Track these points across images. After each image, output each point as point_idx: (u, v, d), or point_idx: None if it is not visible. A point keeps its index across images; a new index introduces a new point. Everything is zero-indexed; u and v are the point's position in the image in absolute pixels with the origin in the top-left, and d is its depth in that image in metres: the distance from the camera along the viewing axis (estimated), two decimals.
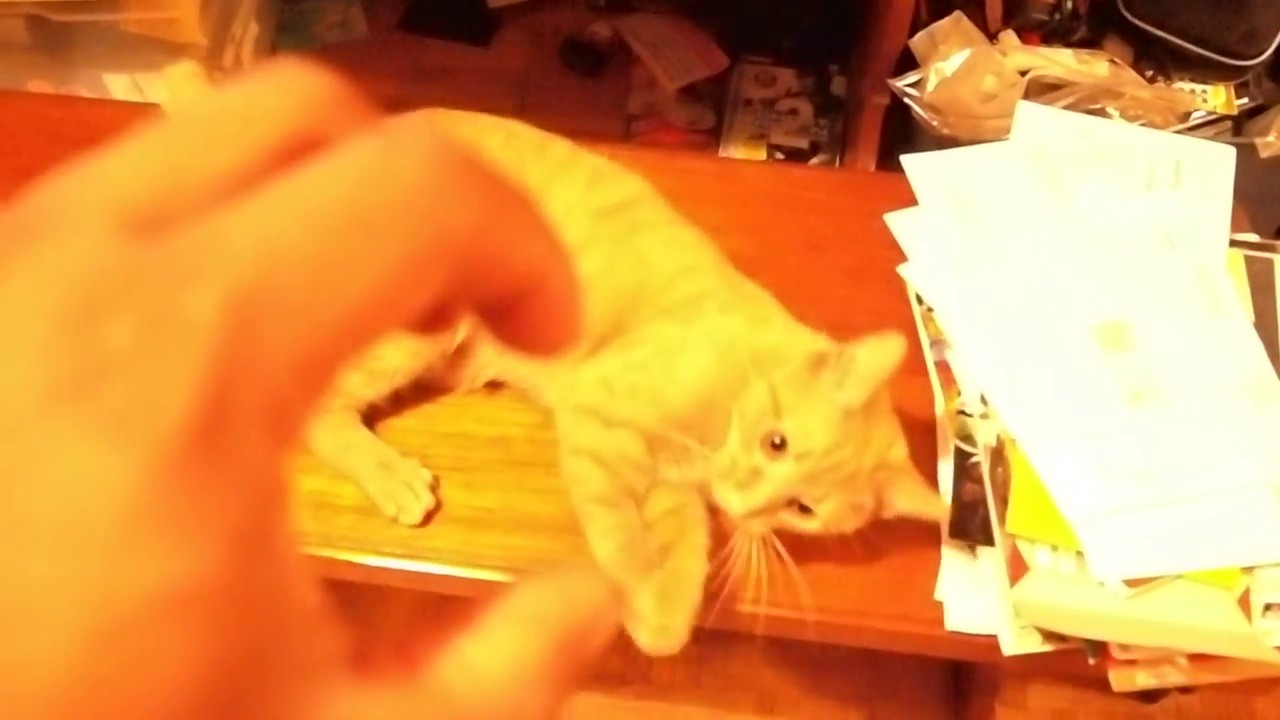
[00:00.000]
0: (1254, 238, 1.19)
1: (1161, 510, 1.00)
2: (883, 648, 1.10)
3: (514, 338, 0.23)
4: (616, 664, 1.61)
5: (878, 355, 0.89)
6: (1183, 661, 0.95)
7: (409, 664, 0.20)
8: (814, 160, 1.85)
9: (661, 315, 1.02)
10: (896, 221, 1.17)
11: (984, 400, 1.06)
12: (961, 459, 1.05)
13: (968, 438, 1.06)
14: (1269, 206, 1.56)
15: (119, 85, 1.84)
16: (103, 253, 0.18)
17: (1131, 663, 0.96)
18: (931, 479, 1.06)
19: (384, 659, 0.20)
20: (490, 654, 0.20)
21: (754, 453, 0.89)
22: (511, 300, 0.22)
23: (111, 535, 0.16)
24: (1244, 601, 0.98)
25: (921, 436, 1.08)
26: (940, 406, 1.08)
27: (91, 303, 0.17)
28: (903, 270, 1.14)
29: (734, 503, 0.90)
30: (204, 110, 0.21)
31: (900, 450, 0.95)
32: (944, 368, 1.09)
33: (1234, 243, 1.17)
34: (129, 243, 0.18)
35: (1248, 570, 0.99)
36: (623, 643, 0.97)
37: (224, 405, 0.17)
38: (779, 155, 1.85)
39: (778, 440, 0.88)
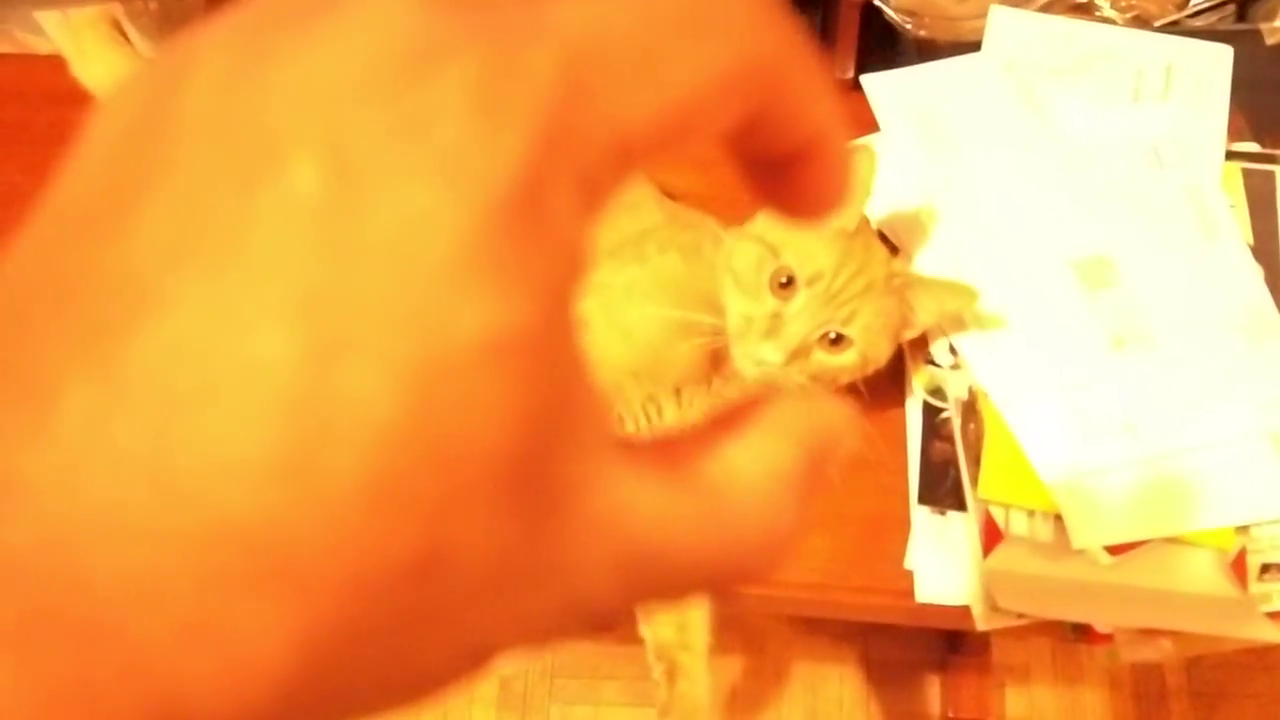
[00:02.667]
0: (1254, 147, 1.08)
1: (1148, 467, 0.92)
2: (852, 619, 1.02)
3: (777, 194, 0.22)
4: None
5: (859, 172, 0.86)
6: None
7: (673, 458, 0.20)
8: None
9: (604, 258, 0.93)
10: None
11: (953, 350, 0.97)
12: (930, 415, 0.97)
13: (937, 391, 0.97)
14: (1276, 99, 1.44)
15: (51, 21, 1.73)
16: (426, 12, 0.17)
17: (1112, 637, 0.88)
18: (898, 436, 0.98)
19: (652, 451, 0.20)
20: (751, 457, 0.21)
21: (765, 299, 0.85)
22: (786, 155, 0.22)
23: (442, 274, 0.16)
24: (1239, 564, 0.90)
25: (886, 390, 1.00)
26: (908, 356, 0.99)
27: (426, 50, 0.17)
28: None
29: (767, 352, 0.84)
30: None
31: (901, 264, 0.92)
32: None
33: (1231, 155, 1.06)
34: (449, 7, 0.17)
35: (1243, 530, 0.90)
36: None
37: (552, 163, 0.17)
38: None
39: (784, 278, 0.85)
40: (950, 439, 0.95)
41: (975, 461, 0.93)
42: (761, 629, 1.57)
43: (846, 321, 0.85)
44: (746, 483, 0.21)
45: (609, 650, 1.59)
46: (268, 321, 0.16)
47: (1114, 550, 0.89)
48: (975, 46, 1.11)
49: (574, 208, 0.18)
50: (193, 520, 0.15)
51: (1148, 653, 0.86)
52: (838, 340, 0.85)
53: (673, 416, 0.93)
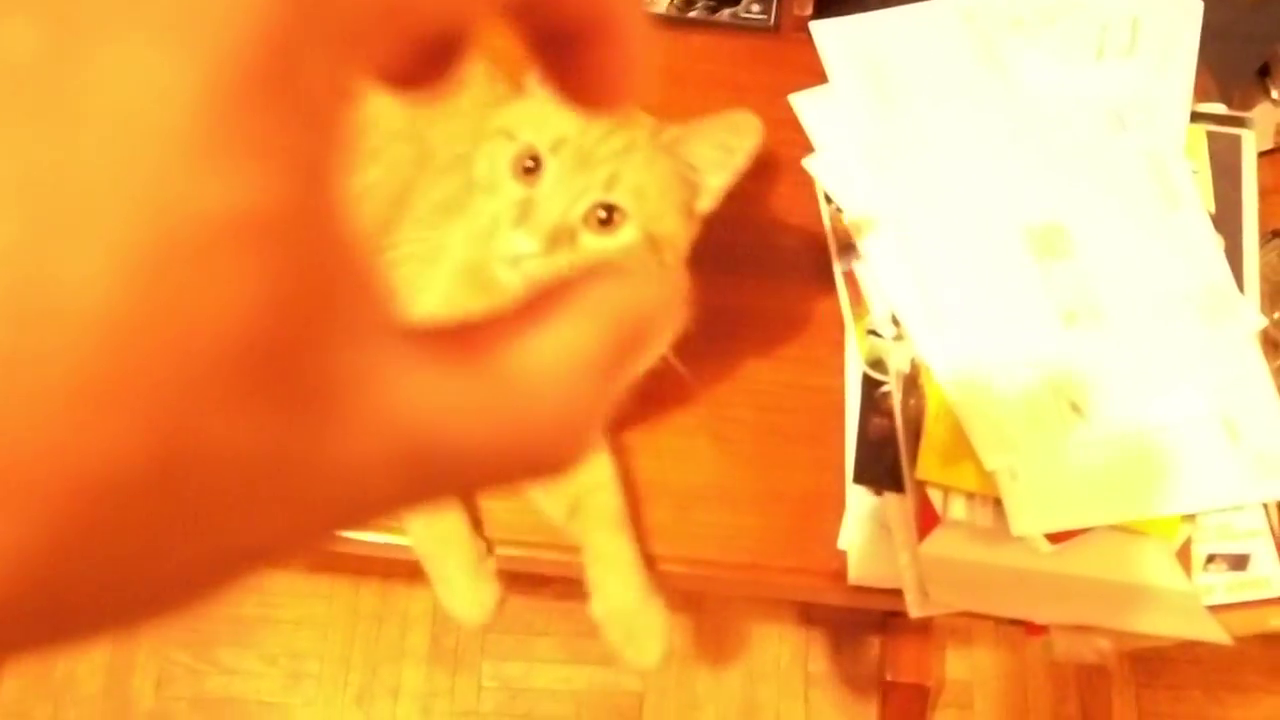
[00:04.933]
0: (1220, 108, 1.03)
1: (1093, 451, 0.87)
2: (783, 598, 0.98)
3: (564, 78, 0.21)
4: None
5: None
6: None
7: (469, 345, 0.19)
8: None
9: (429, 214, 0.86)
10: (802, 103, 1.00)
11: (896, 320, 0.92)
12: (870, 388, 0.92)
13: (878, 363, 0.92)
14: (1248, 48, 1.39)
15: None
16: None
17: (1046, 629, 0.84)
18: (835, 410, 0.93)
19: (444, 337, 0.19)
20: (551, 342, 0.19)
21: (509, 188, 0.71)
22: (572, 32, 0.20)
23: (173, 147, 0.14)
24: (1183, 554, 0.86)
25: (824, 361, 0.95)
26: (849, 326, 0.94)
27: None
28: (808, 163, 0.98)
29: (520, 240, 0.69)
30: None
31: (677, 127, 0.75)
32: (852, 280, 0.94)
33: (1196, 116, 1.01)
34: None
35: (1189, 518, 0.86)
36: (542, 543, 0.90)
37: (305, 24, 0.15)
38: None
39: (529, 159, 0.71)
40: (889, 414, 0.90)
41: (914, 439, 0.88)
42: (699, 587, 1.54)
43: (609, 185, 0.70)
44: (543, 369, 0.19)
45: (544, 605, 1.54)
46: None
47: (1055, 538, 0.85)
48: None
49: (333, 77, 0.16)
50: None
51: (1083, 652, 0.82)
52: (609, 219, 0.71)
53: None
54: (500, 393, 0.19)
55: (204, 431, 0.15)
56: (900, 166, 0.96)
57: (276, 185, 0.15)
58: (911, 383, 0.90)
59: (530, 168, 0.71)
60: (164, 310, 0.14)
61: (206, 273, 0.14)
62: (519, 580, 1.49)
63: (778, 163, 1.00)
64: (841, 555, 0.89)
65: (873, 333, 0.93)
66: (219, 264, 0.15)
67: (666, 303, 0.22)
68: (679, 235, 0.75)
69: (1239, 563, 0.86)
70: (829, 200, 0.97)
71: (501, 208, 0.71)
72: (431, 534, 0.86)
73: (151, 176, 0.14)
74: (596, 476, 0.87)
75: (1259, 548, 0.86)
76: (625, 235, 0.72)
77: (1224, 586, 0.86)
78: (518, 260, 0.70)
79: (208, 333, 0.15)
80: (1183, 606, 0.84)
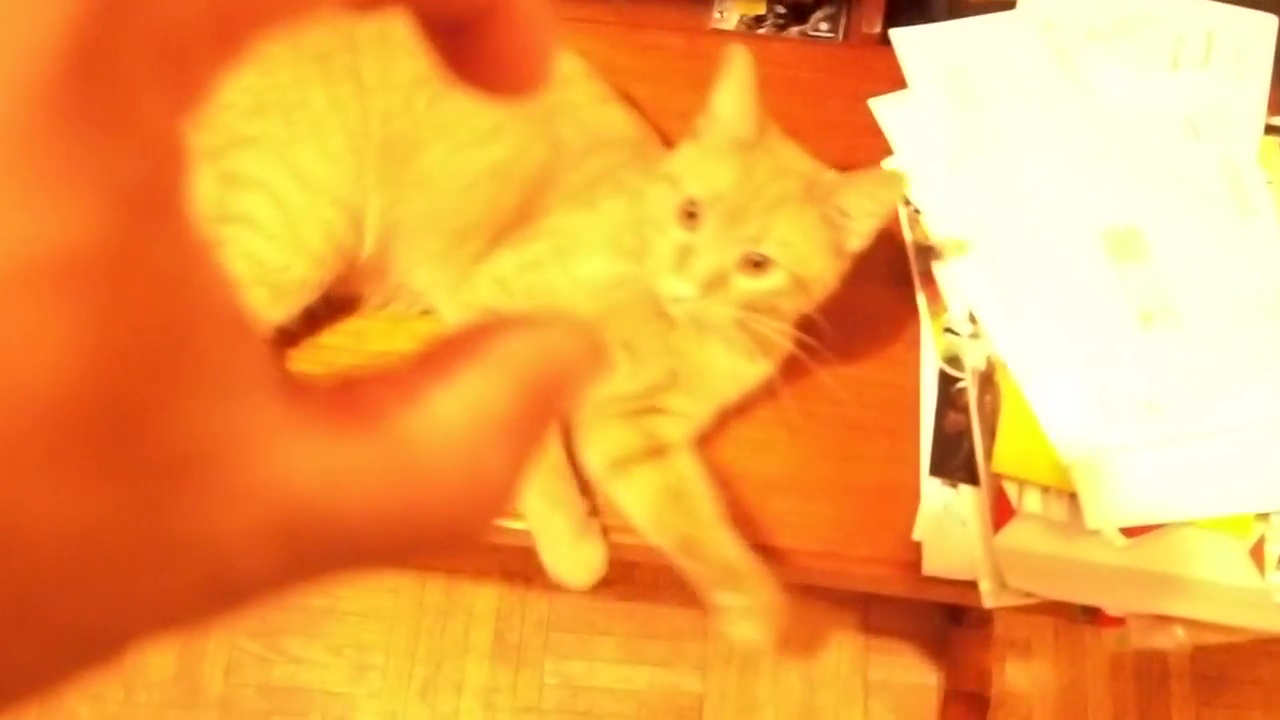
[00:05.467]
0: None
1: (1168, 448, 0.89)
2: (857, 589, 1.00)
3: (464, 66, 0.19)
4: None
5: (734, 81, 0.82)
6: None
7: (358, 403, 0.17)
8: (817, 15, 1.69)
9: (564, 201, 0.91)
10: (882, 107, 1.03)
11: (973, 318, 0.94)
12: (946, 384, 0.94)
13: (954, 360, 0.94)
14: None
15: None
16: None
17: (1123, 621, 0.86)
18: (911, 406, 0.95)
19: (330, 394, 0.17)
20: (454, 400, 0.17)
21: (673, 233, 0.80)
22: (467, 16, 0.18)
23: None
24: (1256, 552, 0.87)
25: (902, 358, 0.97)
26: (925, 324, 0.96)
27: None
28: (888, 165, 1.00)
29: (679, 285, 0.79)
30: None
31: (831, 174, 0.85)
32: (930, 279, 0.96)
33: (1270, 129, 1.03)
34: None
35: (1263, 517, 0.88)
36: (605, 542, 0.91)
37: (119, 23, 0.13)
38: (779, 9, 1.69)
39: (689, 208, 0.80)
40: (965, 410, 0.92)
41: (990, 434, 0.90)
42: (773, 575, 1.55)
43: (758, 239, 0.79)
44: (444, 429, 0.17)
45: (606, 606, 1.57)
46: None
47: (1129, 532, 0.86)
48: (1008, 4, 1.07)
49: (156, 89, 0.14)
50: None
51: (1160, 640, 0.84)
52: (760, 264, 0.79)
53: (626, 372, 0.90)
54: (394, 457, 0.17)
55: (22, 512, 0.13)
56: (979, 170, 0.98)
57: (88, 217, 0.13)
58: (987, 379, 0.92)
59: (691, 213, 0.79)
60: None
61: (19, 321, 0.13)
62: None
63: (857, 166, 1.02)
64: (915, 546, 0.91)
65: (949, 330, 0.95)
66: (24, 313, 0.13)
67: (583, 355, 0.19)
68: (826, 274, 0.82)
69: None
70: (907, 202, 0.99)
71: (665, 251, 0.80)
72: (539, 494, 0.88)
73: None
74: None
75: None
76: (773, 279, 0.80)
77: None
78: (676, 299, 0.80)
79: (16, 394, 0.13)
80: (1256, 603, 0.86)
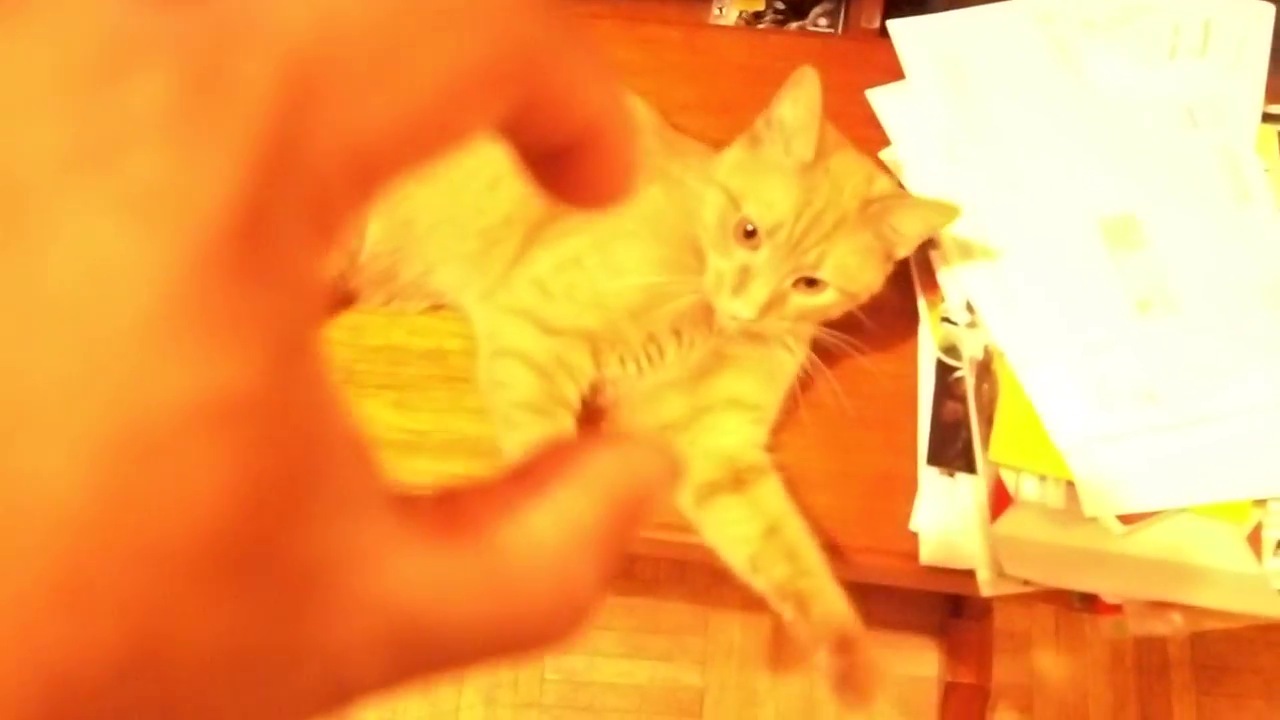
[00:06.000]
0: None
1: (1165, 435, 0.89)
2: (854, 579, 1.00)
3: (559, 186, 0.20)
4: None
5: (800, 98, 0.83)
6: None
7: (459, 516, 0.18)
8: (815, 10, 1.69)
9: None
10: (880, 98, 1.03)
11: (971, 307, 0.94)
12: (944, 374, 0.94)
13: (951, 349, 0.94)
14: None
15: None
16: (112, 10, 0.15)
17: (1120, 608, 0.86)
18: (909, 394, 0.95)
19: (433, 508, 0.18)
20: (547, 516, 0.19)
21: (733, 253, 0.83)
22: (563, 145, 0.19)
23: (142, 333, 0.14)
24: (1253, 538, 0.87)
25: (900, 347, 0.97)
26: (922, 313, 0.96)
27: (115, 58, 0.14)
28: (886, 155, 1.00)
29: (739, 307, 0.83)
30: None
31: (884, 183, 0.88)
32: (927, 268, 0.96)
33: (1267, 117, 1.03)
34: (151, 4, 0.15)
35: (1260, 503, 0.88)
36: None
37: (275, 191, 0.15)
38: (778, 4, 1.69)
39: (748, 228, 0.83)
40: (963, 399, 0.92)
41: (988, 423, 0.90)
42: None
43: (816, 266, 0.82)
44: (539, 544, 0.18)
45: (607, 600, 1.57)
46: None
47: (1126, 519, 0.86)
48: None
49: (305, 240, 0.16)
50: None
51: (1157, 626, 0.84)
52: (814, 282, 0.83)
53: (674, 357, 0.90)
54: (492, 569, 0.18)
55: (177, 626, 0.15)
56: (976, 159, 0.98)
57: (248, 364, 0.14)
58: (985, 368, 0.92)
59: (750, 232, 0.82)
60: (130, 507, 0.14)
61: (174, 463, 0.14)
62: None
63: None
64: (913, 536, 0.91)
65: (947, 320, 0.95)
66: (187, 453, 0.14)
67: (667, 470, 0.21)
68: (875, 284, 0.87)
69: None
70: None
71: (725, 270, 0.83)
72: None
73: (110, 368, 0.14)
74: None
75: None
76: (826, 296, 0.84)
77: None
78: (735, 319, 0.84)
79: (178, 526, 0.14)
80: (1254, 589, 0.86)
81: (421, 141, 0.17)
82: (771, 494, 0.89)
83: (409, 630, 0.17)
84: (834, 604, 0.83)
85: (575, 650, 1.56)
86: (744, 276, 0.82)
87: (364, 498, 0.17)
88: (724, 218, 0.83)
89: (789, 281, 0.83)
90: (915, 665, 1.55)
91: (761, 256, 0.82)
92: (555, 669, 1.55)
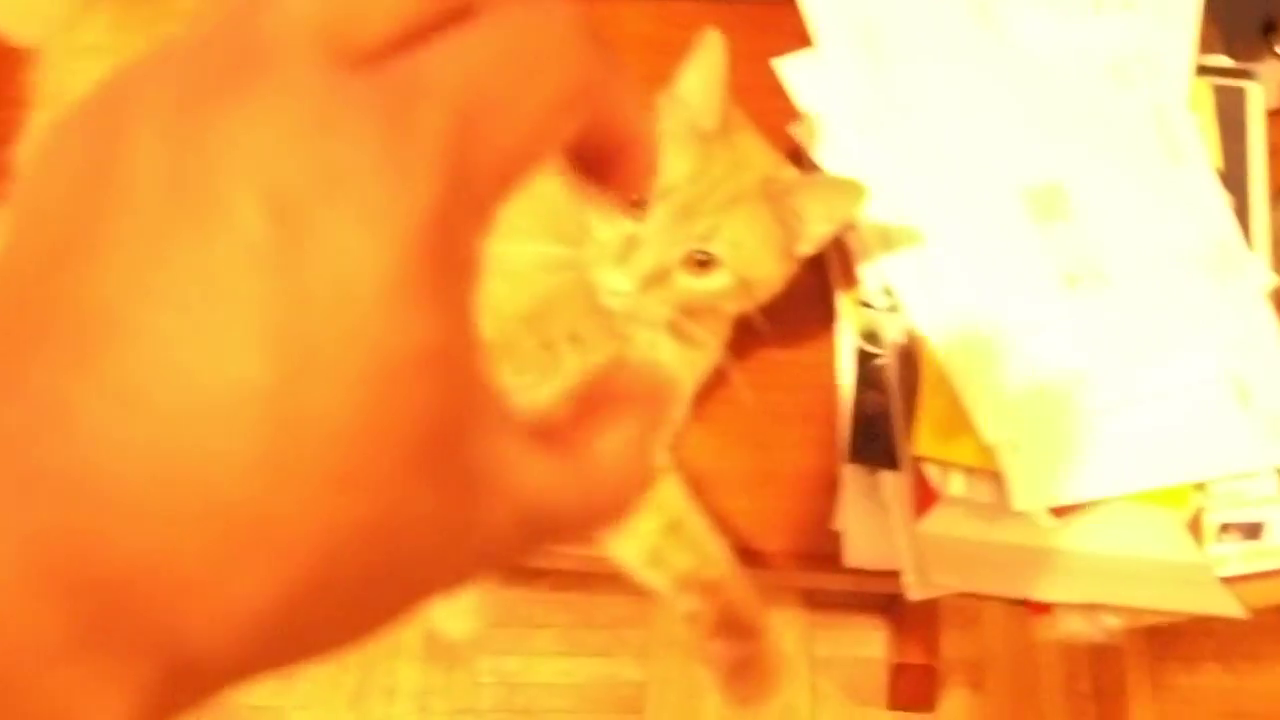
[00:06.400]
0: (1226, 61, 0.99)
1: (1100, 419, 0.83)
2: (777, 583, 0.95)
3: (603, 182, 0.27)
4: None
5: (704, 65, 0.78)
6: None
7: (558, 436, 0.25)
8: None
9: None
10: (788, 67, 0.96)
11: (889, 290, 0.88)
12: (864, 362, 0.88)
13: (872, 336, 0.88)
14: (1251, 4, 1.34)
15: None
16: (326, 78, 0.21)
17: (1050, 608, 0.81)
18: (827, 386, 0.89)
19: (541, 430, 0.25)
20: (613, 436, 0.26)
21: (619, 221, 0.76)
22: (607, 151, 0.26)
23: (376, 304, 0.20)
24: (1194, 525, 0.82)
25: (817, 335, 0.91)
26: (839, 298, 0.90)
27: (334, 115, 0.20)
28: (796, 130, 0.93)
29: (619, 279, 0.75)
30: None
31: (791, 172, 0.83)
32: (842, 249, 0.90)
33: (1201, 70, 0.97)
34: (342, 70, 0.21)
35: (1199, 487, 0.82)
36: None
37: (454, 198, 0.21)
38: None
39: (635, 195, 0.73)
40: (885, 389, 0.86)
41: (911, 415, 0.84)
42: None
43: (707, 238, 0.75)
44: (609, 453, 0.26)
45: (541, 597, 1.51)
46: (242, 348, 0.19)
47: (1059, 512, 0.81)
48: None
49: (473, 230, 0.22)
50: (194, 504, 0.19)
51: (1090, 631, 0.78)
52: (705, 262, 0.76)
53: (575, 364, 0.83)
54: (583, 472, 0.25)
55: (409, 504, 0.21)
56: (891, 130, 0.92)
57: (442, 325, 0.21)
58: (907, 355, 0.86)
59: (638, 201, 0.75)
60: (383, 423, 0.20)
61: (407, 394, 0.20)
62: (515, 573, 1.46)
63: (763, 131, 0.96)
64: (836, 537, 0.85)
65: (865, 304, 0.89)
66: (414, 387, 0.20)
67: (677, 395, 0.27)
68: (773, 277, 0.80)
69: (1253, 531, 0.82)
70: (816, 167, 0.93)
71: (608, 239, 0.76)
72: None
73: (360, 329, 0.20)
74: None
75: (1273, 515, 0.82)
76: (718, 280, 0.76)
77: (1238, 556, 0.82)
78: (614, 293, 0.76)
79: (412, 436, 0.21)
80: (1195, 579, 0.80)
81: (535, 149, 0.23)
82: (671, 492, 0.83)
83: (533, 513, 0.24)
84: (743, 592, 0.79)
85: (510, 651, 1.50)
86: (628, 246, 0.75)
87: (504, 421, 0.23)
88: None
89: (677, 254, 0.75)
90: (862, 646, 1.51)
91: (649, 225, 0.75)
92: (490, 671, 1.49)
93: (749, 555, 0.86)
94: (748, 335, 0.85)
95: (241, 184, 0.20)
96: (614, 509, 0.26)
